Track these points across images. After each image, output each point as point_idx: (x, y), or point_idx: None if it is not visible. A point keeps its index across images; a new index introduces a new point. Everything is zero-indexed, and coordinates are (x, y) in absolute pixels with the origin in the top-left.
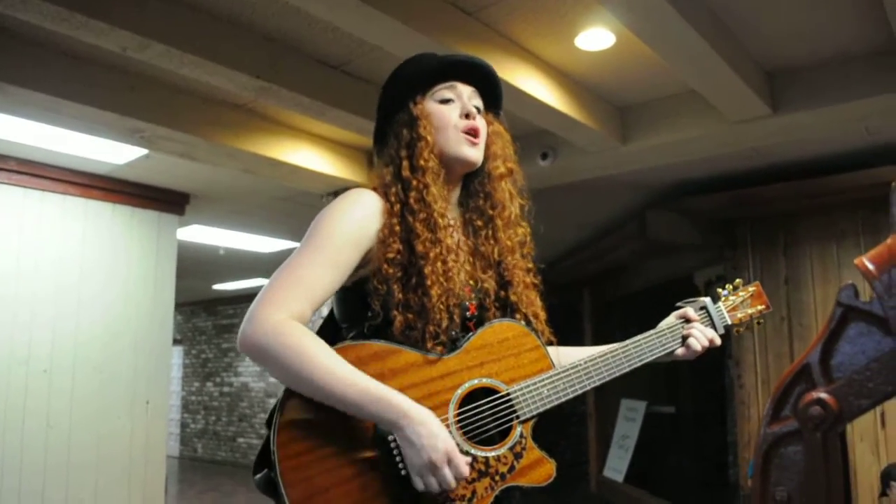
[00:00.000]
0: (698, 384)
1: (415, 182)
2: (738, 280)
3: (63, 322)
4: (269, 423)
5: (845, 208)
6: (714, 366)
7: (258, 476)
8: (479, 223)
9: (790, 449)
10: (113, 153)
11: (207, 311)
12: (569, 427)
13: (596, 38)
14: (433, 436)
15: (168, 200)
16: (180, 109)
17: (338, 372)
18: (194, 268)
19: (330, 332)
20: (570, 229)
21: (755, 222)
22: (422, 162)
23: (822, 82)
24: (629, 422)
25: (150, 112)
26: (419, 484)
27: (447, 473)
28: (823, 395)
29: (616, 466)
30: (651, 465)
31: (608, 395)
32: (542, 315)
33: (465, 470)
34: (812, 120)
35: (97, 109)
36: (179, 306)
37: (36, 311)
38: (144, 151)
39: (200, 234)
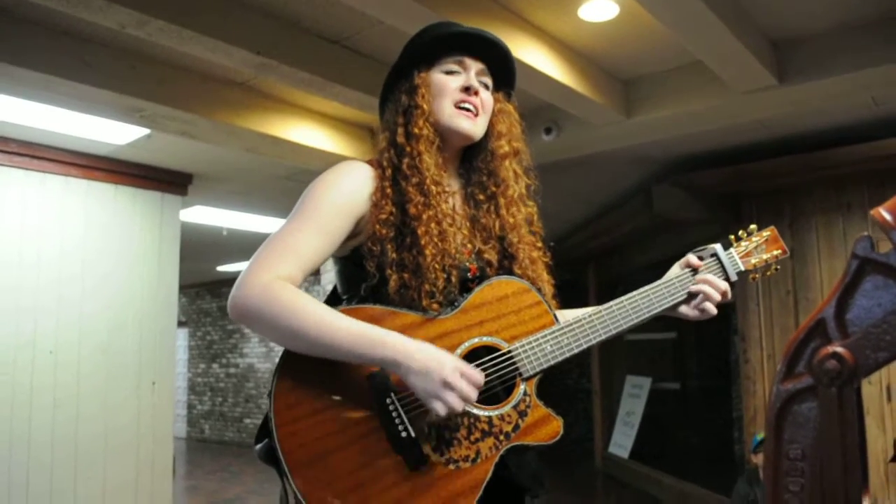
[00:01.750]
0: (703, 360)
1: (408, 149)
2: (752, 225)
3: (67, 304)
4: (270, 395)
5: (851, 181)
6: (719, 341)
7: (259, 446)
8: (481, 198)
9: (804, 406)
10: (114, 133)
11: (212, 292)
12: (575, 403)
13: (599, 8)
14: (436, 357)
15: (170, 181)
16: (181, 87)
17: (329, 321)
18: (198, 249)
19: (332, 305)
20: (576, 205)
21: (761, 196)
22: (416, 129)
23: (829, 51)
24: (634, 398)
25: (150, 90)
26: (441, 409)
27: (464, 385)
28: (839, 349)
29: (621, 443)
30: (656, 441)
31: (613, 371)
32: (549, 290)
33: (480, 377)
34: (818, 90)
35: (97, 88)
36: (184, 288)
37: (40, 293)
38: (146, 131)
39: (203, 214)
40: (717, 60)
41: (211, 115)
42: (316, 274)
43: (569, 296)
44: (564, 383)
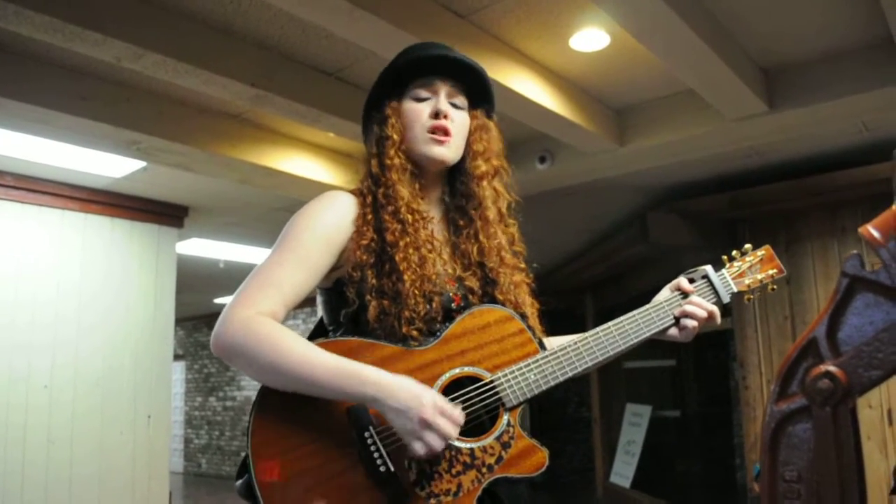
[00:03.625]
0: (703, 387)
1: (383, 178)
2: (747, 245)
3: (63, 337)
4: (248, 431)
5: (845, 205)
6: (719, 368)
7: (239, 482)
8: (461, 222)
9: (799, 426)
10: (111, 166)
11: (209, 325)
12: (575, 433)
13: (590, 38)
14: (416, 395)
15: (167, 213)
16: (176, 120)
17: (308, 356)
18: (194, 282)
19: (319, 336)
20: (571, 234)
21: (755, 222)
22: (387, 160)
23: (818, 78)
24: (635, 427)
25: (146, 123)
26: (419, 448)
27: (443, 424)
28: (832, 368)
29: (623, 472)
30: (658, 470)
31: (613, 400)
32: (533, 313)
33: (460, 416)
34: (808, 116)
35: (93, 121)
36: (181, 321)
37: (36, 326)
38: (142, 164)
39: (200, 247)
40: (708, 88)
41: (207, 147)
42: (312, 305)
43: (566, 325)
44: (564, 412)
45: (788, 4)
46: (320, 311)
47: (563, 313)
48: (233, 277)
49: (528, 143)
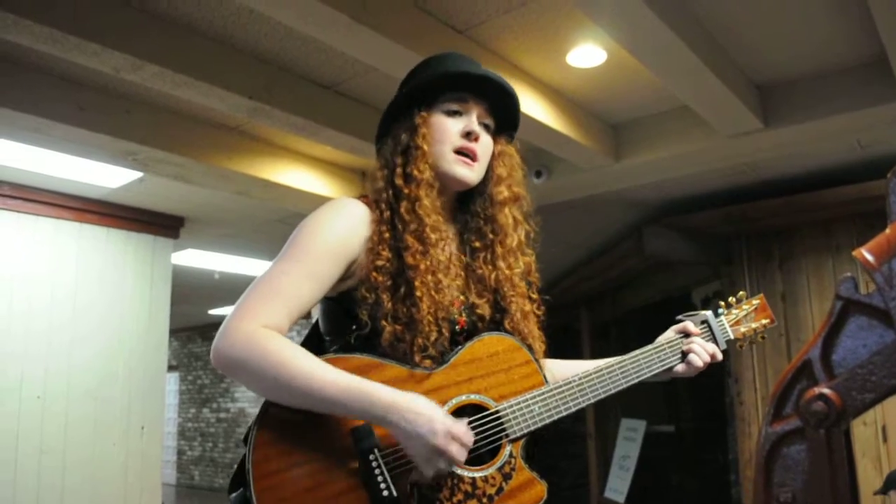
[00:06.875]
0: (698, 403)
1: (406, 191)
2: (741, 293)
3: (57, 347)
4: (245, 440)
5: (840, 222)
6: (714, 384)
7: (234, 495)
8: (478, 245)
9: (793, 448)
10: (107, 177)
11: (203, 336)
12: (569, 448)
13: (587, 55)
14: (428, 420)
15: (162, 224)
16: (174, 131)
17: (317, 373)
18: (189, 293)
19: (313, 344)
20: (567, 248)
21: (750, 238)
22: (416, 172)
23: (812, 95)
24: (629, 442)
25: (143, 134)
26: (429, 472)
27: (455, 450)
28: (826, 391)
29: (617, 487)
30: (652, 485)
31: (608, 415)
32: (540, 346)
33: (470, 438)
34: (803, 133)
35: (90, 132)
36: (175, 332)
37: (29, 336)
38: (138, 175)
39: (195, 258)
40: (704, 105)
41: (204, 158)
42: (307, 317)
43: (562, 340)
44: (559, 427)
45: (784, 22)
46: (316, 316)
47: (558, 328)
48: (228, 289)
49: (525, 158)
